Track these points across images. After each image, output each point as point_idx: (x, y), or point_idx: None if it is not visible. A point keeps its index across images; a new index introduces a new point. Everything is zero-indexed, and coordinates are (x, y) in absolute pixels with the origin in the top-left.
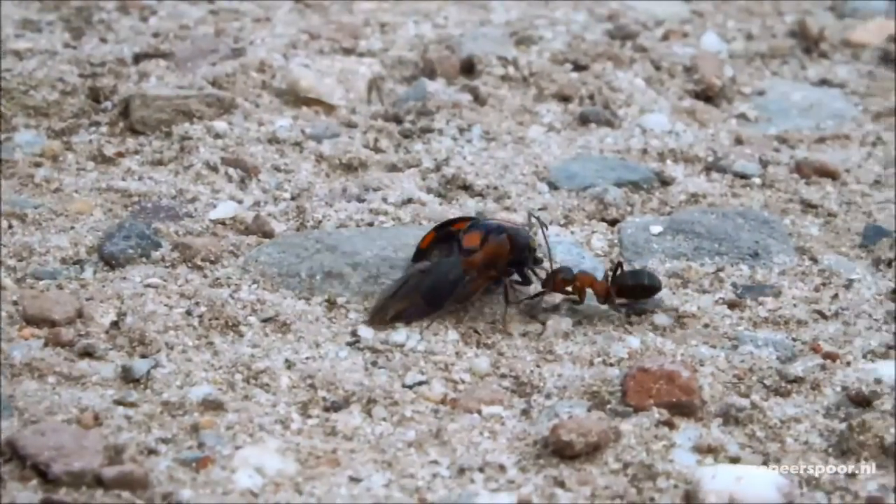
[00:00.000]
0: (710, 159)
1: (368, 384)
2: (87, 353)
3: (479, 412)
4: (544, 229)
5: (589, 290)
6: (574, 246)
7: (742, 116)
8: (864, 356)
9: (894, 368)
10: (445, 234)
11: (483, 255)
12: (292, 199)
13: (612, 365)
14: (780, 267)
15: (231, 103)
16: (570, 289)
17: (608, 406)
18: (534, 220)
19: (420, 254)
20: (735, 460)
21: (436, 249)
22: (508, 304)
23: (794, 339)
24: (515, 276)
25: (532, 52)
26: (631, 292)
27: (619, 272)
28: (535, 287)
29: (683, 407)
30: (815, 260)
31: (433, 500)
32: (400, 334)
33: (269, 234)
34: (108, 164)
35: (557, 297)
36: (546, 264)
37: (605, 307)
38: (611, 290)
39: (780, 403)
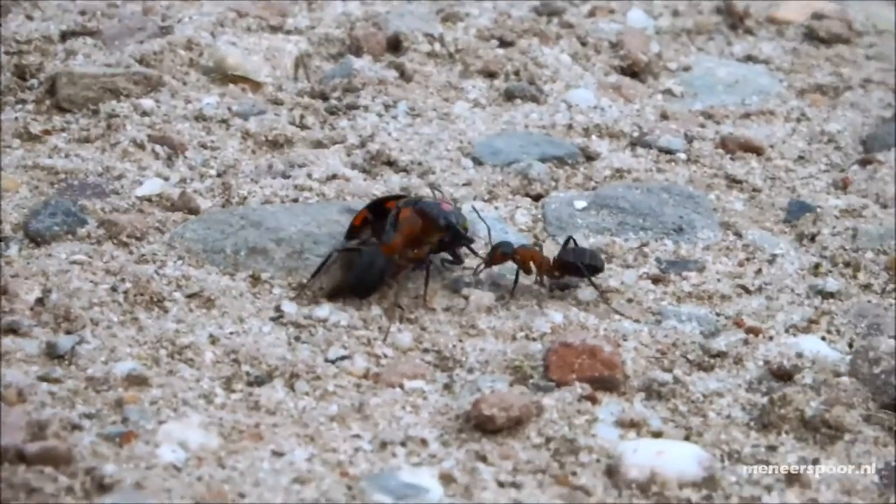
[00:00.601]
0: (636, 135)
1: (291, 359)
2: (12, 330)
3: (402, 387)
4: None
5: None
6: (498, 221)
7: (668, 92)
8: (787, 331)
9: (816, 343)
10: (379, 212)
11: (400, 237)
12: (218, 175)
13: (534, 340)
14: (705, 242)
15: (158, 81)
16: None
17: (530, 381)
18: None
19: (353, 231)
20: (657, 434)
21: (368, 227)
22: (429, 282)
23: (717, 314)
24: (448, 255)
25: (458, 29)
26: (573, 270)
27: (564, 248)
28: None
29: (606, 381)
30: (739, 235)
31: (355, 473)
32: (323, 309)
33: (194, 211)
34: (34, 141)
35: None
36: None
37: (537, 285)
38: (553, 265)
39: (703, 378)
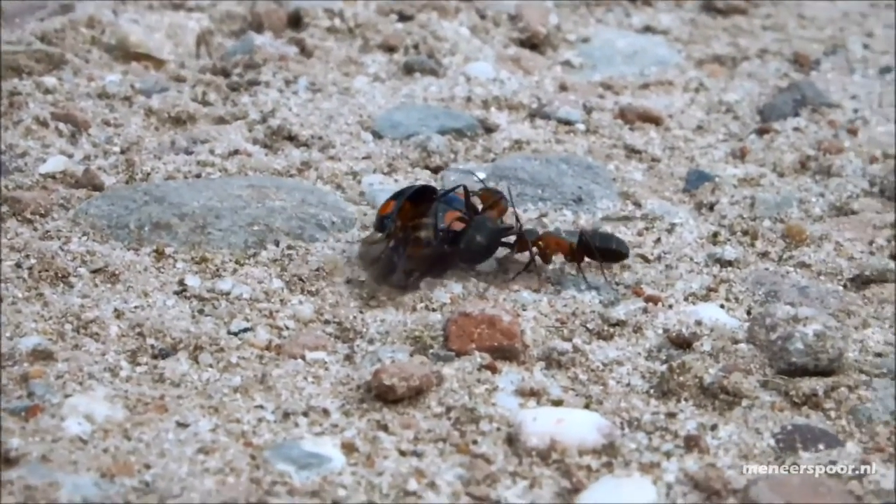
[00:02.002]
0: (535, 106)
1: (195, 331)
2: None
3: (304, 358)
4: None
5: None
6: None
7: (567, 64)
8: (686, 299)
9: (714, 310)
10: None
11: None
12: (122, 152)
13: (434, 310)
14: (604, 212)
15: (60, 59)
16: (535, 249)
17: (430, 351)
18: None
19: (381, 221)
20: (557, 403)
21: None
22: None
23: (616, 284)
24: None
25: (358, 4)
26: (599, 254)
27: (588, 235)
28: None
29: (505, 351)
30: (638, 204)
31: (258, 443)
32: (226, 282)
33: (98, 188)
34: None
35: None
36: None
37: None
38: (578, 251)
39: (603, 347)
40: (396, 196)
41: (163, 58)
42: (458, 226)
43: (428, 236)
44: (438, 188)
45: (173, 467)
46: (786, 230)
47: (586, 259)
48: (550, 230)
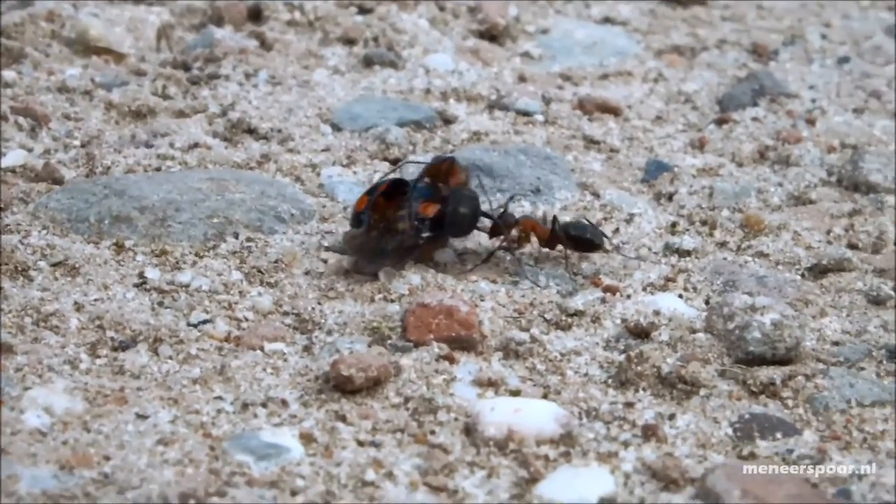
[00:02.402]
0: (493, 97)
1: (155, 324)
2: None
3: (262, 349)
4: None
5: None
6: (356, 185)
7: (526, 55)
8: (644, 289)
9: (672, 300)
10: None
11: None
12: (82, 146)
13: (392, 301)
14: (562, 202)
15: (20, 53)
16: (514, 233)
17: (389, 341)
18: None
19: (357, 217)
20: (515, 393)
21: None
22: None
23: (574, 274)
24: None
25: None
26: (574, 243)
27: (564, 221)
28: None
29: (463, 341)
30: (597, 195)
31: (217, 434)
32: (185, 275)
33: (58, 181)
34: None
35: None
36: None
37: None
38: (555, 237)
39: (561, 337)
40: (370, 192)
41: (123, 52)
42: (432, 211)
43: (404, 227)
44: (409, 181)
45: (132, 459)
46: (744, 220)
47: (559, 247)
48: (528, 215)
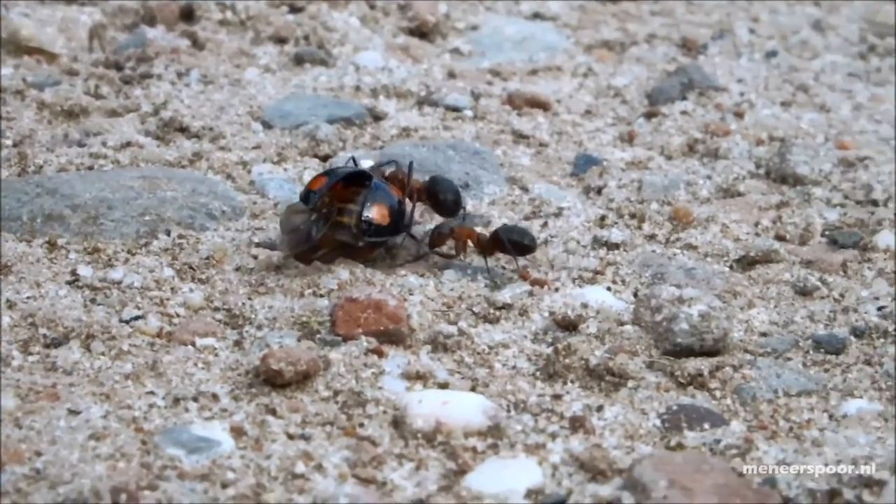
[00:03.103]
0: (423, 94)
1: (87, 320)
2: None
3: (194, 344)
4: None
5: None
6: (286, 182)
7: (456, 51)
8: (572, 282)
9: (601, 293)
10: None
11: None
12: (14, 145)
13: (322, 296)
14: (491, 197)
15: None
16: (450, 243)
17: (318, 336)
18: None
19: (307, 194)
20: (444, 386)
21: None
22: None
23: (503, 267)
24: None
25: None
26: (510, 248)
27: (501, 227)
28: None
29: (392, 335)
30: (525, 189)
31: (149, 428)
32: (117, 272)
33: None
34: None
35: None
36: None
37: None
38: (490, 243)
39: (489, 330)
40: (329, 173)
41: (55, 51)
42: (385, 219)
43: (350, 223)
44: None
45: (64, 454)
46: (673, 212)
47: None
48: (464, 223)
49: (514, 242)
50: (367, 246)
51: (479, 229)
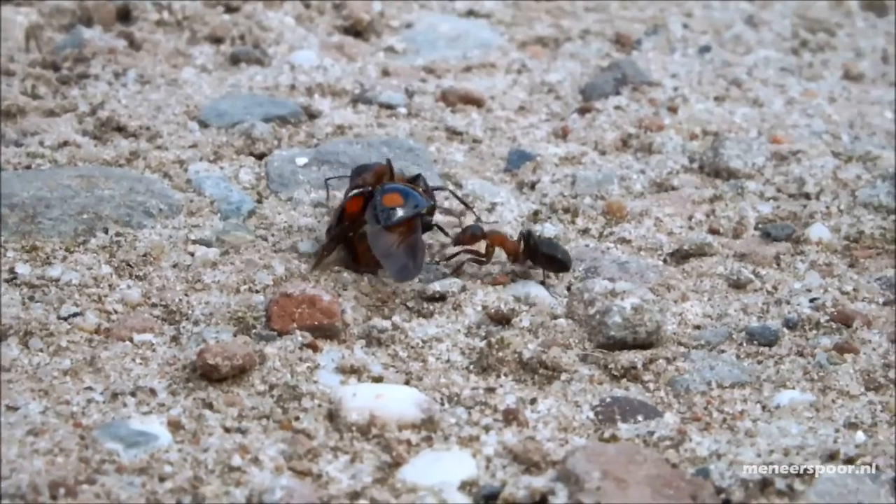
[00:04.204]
0: (357, 92)
1: (25, 317)
2: None
3: (132, 340)
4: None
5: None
6: (222, 180)
7: (390, 49)
8: (506, 276)
9: (534, 287)
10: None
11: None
12: None
13: (257, 292)
14: None
15: None
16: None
17: (253, 331)
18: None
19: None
20: (378, 380)
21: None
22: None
23: (437, 263)
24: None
25: None
26: (543, 261)
27: (534, 236)
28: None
29: (326, 330)
30: (459, 185)
31: (88, 423)
32: (55, 269)
33: None
34: None
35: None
36: None
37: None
38: (522, 252)
39: (423, 324)
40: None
41: None
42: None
43: (330, 223)
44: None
45: (3, 450)
46: (606, 207)
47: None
48: (496, 229)
49: (547, 256)
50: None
51: (509, 235)
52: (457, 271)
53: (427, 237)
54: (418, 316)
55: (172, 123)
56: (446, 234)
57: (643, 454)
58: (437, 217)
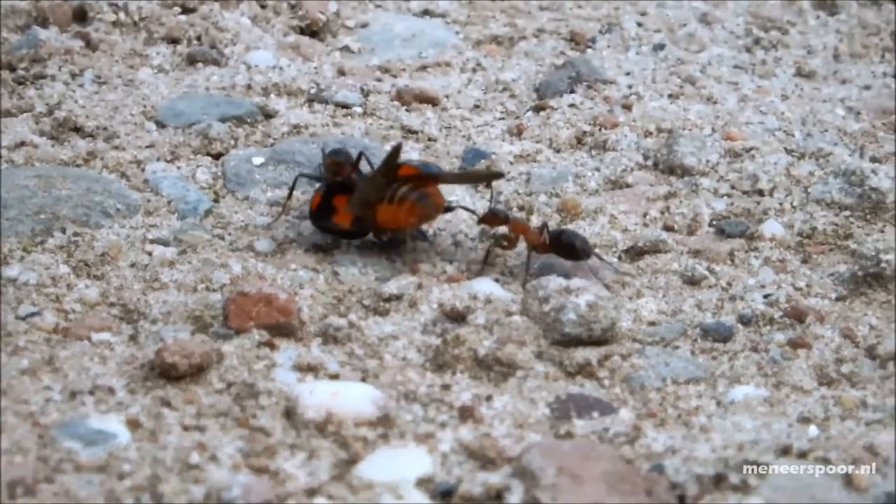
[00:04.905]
0: (313, 91)
1: None
2: None
3: (90, 339)
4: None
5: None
6: (179, 180)
7: (346, 49)
8: (461, 274)
9: (489, 284)
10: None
11: None
12: None
13: (214, 291)
14: None
15: None
16: (503, 230)
17: (211, 329)
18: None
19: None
20: (334, 377)
21: None
22: None
23: (392, 261)
24: None
25: None
26: (564, 251)
27: (555, 227)
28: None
29: (283, 328)
30: None
31: (46, 422)
32: (13, 269)
33: None
34: None
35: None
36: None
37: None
38: (544, 242)
39: (379, 322)
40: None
41: None
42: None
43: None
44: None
45: None
46: (561, 204)
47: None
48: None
49: (568, 245)
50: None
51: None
52: (486, 260)
53: (444, 221)
54: (374, 314)
55: (129, 124)
56: (473, 212)
57: (598, 450)
58: None
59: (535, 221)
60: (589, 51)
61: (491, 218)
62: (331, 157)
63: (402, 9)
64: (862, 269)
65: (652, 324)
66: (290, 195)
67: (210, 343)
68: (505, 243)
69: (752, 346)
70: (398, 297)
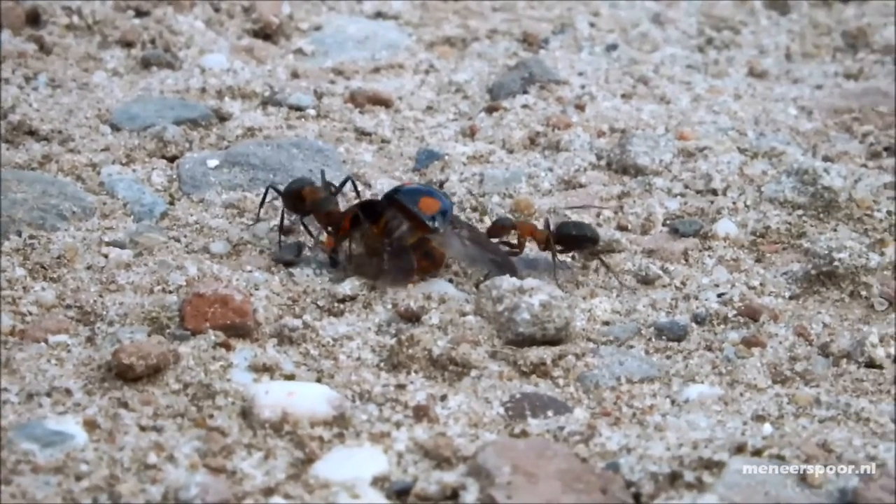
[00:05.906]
0: (267, 94)
1: None
2: None
3: (47, 341)
4: None
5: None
6: (135, 183)
7: (299, 52)
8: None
9: (443, 285)
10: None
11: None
12: None
13: (171, 292)
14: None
15: None
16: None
17: (167, 330)
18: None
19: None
20: (290, 378)
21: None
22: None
23: (347, 262)
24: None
25: (95, 1)
26: (572, 243)
27: (561, 222)
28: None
29: (238, 329)
30: (368, 185)
31: (3, 424)
32: None
33: None
34: None
35: None
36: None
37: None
38: (551, 238)
39: (334, 323)
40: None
41: None
42: None
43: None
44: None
45: None
46: (514, 205)
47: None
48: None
49: (577, 237)
50: None
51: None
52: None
53: None
54: (329, 315)
55: (84, 127)
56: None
57: (553, 449)
58: None
59: (488, 222)
60: (542, 51)
61: (499, 228)
62: (308, 187)
63: (356, 11)
64: (815, 267)
65: (606, 323)
66: (261, 206)
67: (166, 344)
68: (517, 249)
69: (706, 344)
70: (352, 298)
